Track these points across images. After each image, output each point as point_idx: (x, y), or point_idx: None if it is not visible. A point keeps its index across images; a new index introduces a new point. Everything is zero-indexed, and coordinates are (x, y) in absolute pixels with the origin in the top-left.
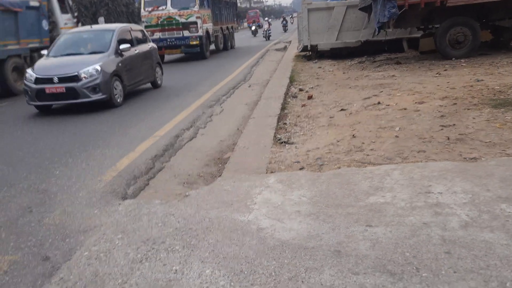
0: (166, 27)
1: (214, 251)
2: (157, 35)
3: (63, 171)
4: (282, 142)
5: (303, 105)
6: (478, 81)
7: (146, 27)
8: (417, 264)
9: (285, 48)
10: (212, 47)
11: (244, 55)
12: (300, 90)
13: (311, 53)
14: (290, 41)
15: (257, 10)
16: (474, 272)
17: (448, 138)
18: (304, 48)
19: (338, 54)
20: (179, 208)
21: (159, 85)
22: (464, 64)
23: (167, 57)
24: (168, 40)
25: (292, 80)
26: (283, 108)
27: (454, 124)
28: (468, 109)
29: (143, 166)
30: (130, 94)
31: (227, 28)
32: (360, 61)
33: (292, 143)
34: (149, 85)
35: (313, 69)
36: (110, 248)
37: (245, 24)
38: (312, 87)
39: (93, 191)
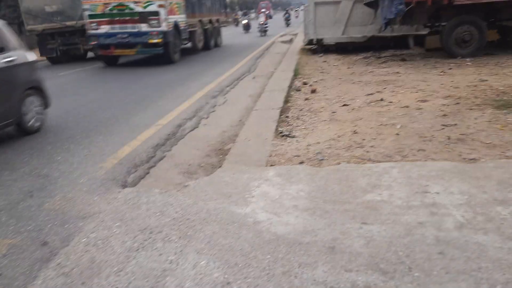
0: (116, 18)
1: (210, 242)
2: (104, 28)
3: (64, 157)
4: (283, 135)
5: (306, 99)
6: (482, 81)
7: (89, 17)
8: (410, 264)
9: (291, 41)
10: (191, 45)
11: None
12: (304, 83)
13: (317, 47)
14: (296, 34)
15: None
16: (466, 274)
17: (449, 138)
18: (310, 42)
19: (343, 48)
20: (178, 198)
21: (33, 129)
22: (469, 63)
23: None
24: (119, 36)
25: (296, 73)
26: (286, 101)
27: (455, 124)
28: (470, 109)
29: (144, 154)
30: (133, 81)
31: (210, 21)
32: (365, 57)
33: (294, 137)
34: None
35: (318, 63)
36: (108, 236)
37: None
38: (316, 81)
39: (93, 178)
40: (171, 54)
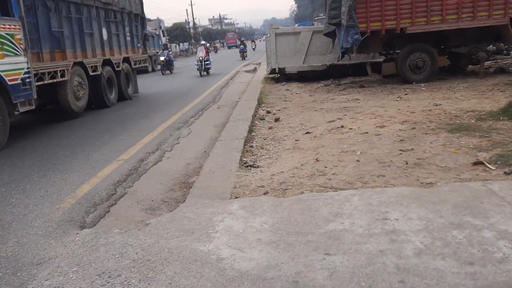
0: None
1: (172, 284)
2: None
3: (19, 199)
4: (248, 166)
5: (270, 128)
6: (436, 105)
7: None
8: None
9: (254, 70)
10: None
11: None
12: (268, 112)
13: (279, 76)
14: (259, 63)
15: (234, 33)
16: None
17: (407, 163)
18: (273, 71)
19: (305, 76)
20: (138, 238)
21: None
22: (423, 88)
23: None
24: None
25: (260, 102)
26: (250, 131)
27: (412, 149)
28: (426, 133)
29: (104, 192)
30: (94, 116)
31: (107, 62)
32: (326, 84)
33: (258, 167)
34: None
35: (281, 91)
36: (64, 283)
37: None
38: (279, 110)
39: (50, 220)
40: None
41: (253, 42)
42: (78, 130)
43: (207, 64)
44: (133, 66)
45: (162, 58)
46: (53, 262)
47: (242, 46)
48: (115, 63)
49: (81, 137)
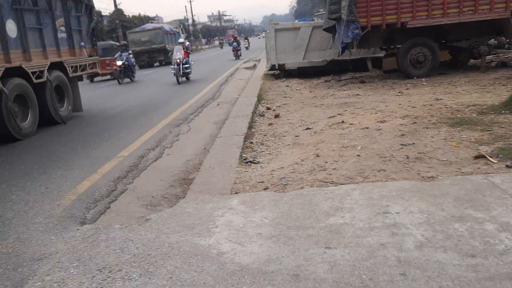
0: None
1: (172, 278)
2: None
3: (20, 196)
4: (248, 162)
5: (270, 124)
6: (437, 100)
7: None
8: (373, 287)
9: (254, 67)
10: None
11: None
12: (268, 108)
13: (279, 72)
14: (259, 59)
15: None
16: None
17: (408, 157)
18: (272, 67)
19: (305, 72)
20: (139, 233)
21: None
22: (424, 83)
23: None
24: None
25: (260, 99)
26: (250, 127)
27: (413, 143)
28: (427, 127)
29: (104, 188)
30: (96, 113)
31: (22, 72)
32: (326, 80)
33: (258, 163)
34: (118, 102)
35: (281, 87)
36: (64, 278)
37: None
38: (279, 106)
39: (50, 216)
40: None
41: (246, 40)
42: (78, 127)
43: (186, 68)
44: (72, 74)
45: (119, 63)
46: (54, 257)
47: (235, 43)
48: (34, 72)
49: (81, 134)
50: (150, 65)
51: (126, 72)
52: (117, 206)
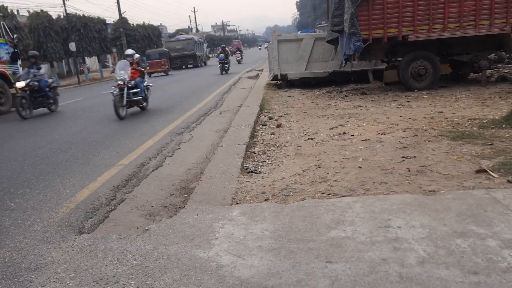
0: None
1: None
2: None
3: (18, 203)
4: (249, 172)
5: (272, 134)
6: (438, 113)
7: None
8: None
9: (257, 76)
10: None
11: None
12: (270, 118)
13: (282, 82)
14: (262, 69)
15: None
16: None
17: (409, 170)
18: (275, 77)
19: (307, 83)
20: (137, 244)
21: None
22: (425, 96)
23: None
24: None
25: (262, 108)
26: (252, 136)
27: (414, 156)
28: (428, 140)
29: (103, 197)
30: (95, 121)
31: None
32: (328, 91)
33: (259, 173)
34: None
35: (283, 97)
36: None
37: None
38: (281, 116)
39: (48, 225)
40: None
41: (238, 52)
42: (79, 134)
43: (136, 93)
44: None
45: (20, 85)
46: (50, 268)
47: (222, 55)
48: None
49: (82, 141)
50: (181, 68)
51: (37, 99)
52: (116, 216)
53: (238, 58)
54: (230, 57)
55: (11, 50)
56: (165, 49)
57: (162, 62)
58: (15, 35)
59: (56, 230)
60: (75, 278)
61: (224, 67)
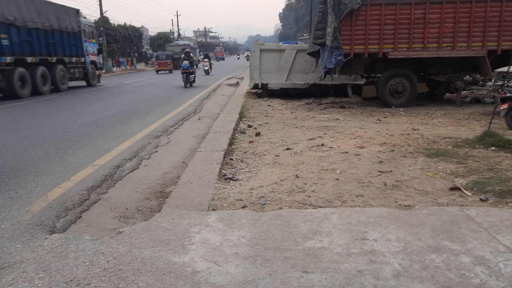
0: None
1: None
2: None
3: None
4: (226, 178)
5: (251, 142)
6: (414, 130)
7: None
8: None
9: (237, 84)
10: None
11: None
12: (249, 126)
13: (262, 91)
14: (242, 77)
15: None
16: None
17: (385, 184)
18: (255, 86)
19: (287, 94)
20: (111, 246)
21: None
22: (402, 113)
23: None
24: None
25: (241, 116)
26: (230, 143)
27: (391, 171)
28: (404, 156)
29: (77, 197)
30: (72, 118)
31: None
32: (307, 102)
33: (237, 180)
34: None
35: (263, 106)
36: None
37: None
38: (260, 124)
39: (17, 223)
40: None
41: (205, 60)
42: (53, 132)
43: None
44: None
45: None
46: (19, 267)
47: (186, 62)
48: None
49: (56, 139)
50: (177, 68)
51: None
52: (89, 216)
53: (206, 68)
54: (197, 64)
55: (97, 47)
56: (170, 52)
57: (168, 63)
58: (100, 38)
59: (26, 228)
60: (45, 278)
61: (189, 78)
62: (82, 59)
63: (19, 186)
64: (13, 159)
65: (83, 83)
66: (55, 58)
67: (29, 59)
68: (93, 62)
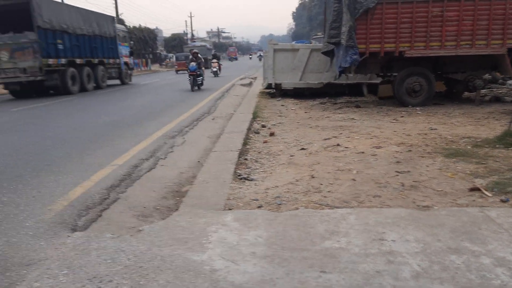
0: None
1: None
2: None
3: (11, 198)
4: (242, 178)
5: (265, 142)
6: (432, 129)
7: None
8: None
9: (250, 84)
10: None
11: None
12: (263, 126)
13: (275, 91)
14: (255, 77)
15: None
16: None
17: (403, 185)
18: (269, 86)
19: (301, 93)
20: (131, 244)
21: None
22: (419, 112)
23: None
24: None
25: (255, 116)
26: (245, 143)
27: (408, 171)
28: (422, 156)
29: (97, 196)
30: (90, 119)
31: None
32: (321, 102)
33: (252, 180)
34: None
35: (277, 106)
36: (53, 285)
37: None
38: (274, 124)
39: (41, 221)
40: None
41: (214, 61)
42: (73, 133)
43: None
44: None
45: None
46: (43, 264)
47: (193, 64)
48: None
49: (76, 139)
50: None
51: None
52: (109, 215)
53: (215, 69)
54: (207, 66)
55: (129, 50)
56: (188, 53)
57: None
58: (131, 42)
59: (49, 227)
60: (68, 275)
61: (196, 81)
62: (118, 61)
63: (41, 186)
64: (35, 159)
65: (118, 81)
66: (97, 60)
67: (78, 61)
68: (126, 63)
